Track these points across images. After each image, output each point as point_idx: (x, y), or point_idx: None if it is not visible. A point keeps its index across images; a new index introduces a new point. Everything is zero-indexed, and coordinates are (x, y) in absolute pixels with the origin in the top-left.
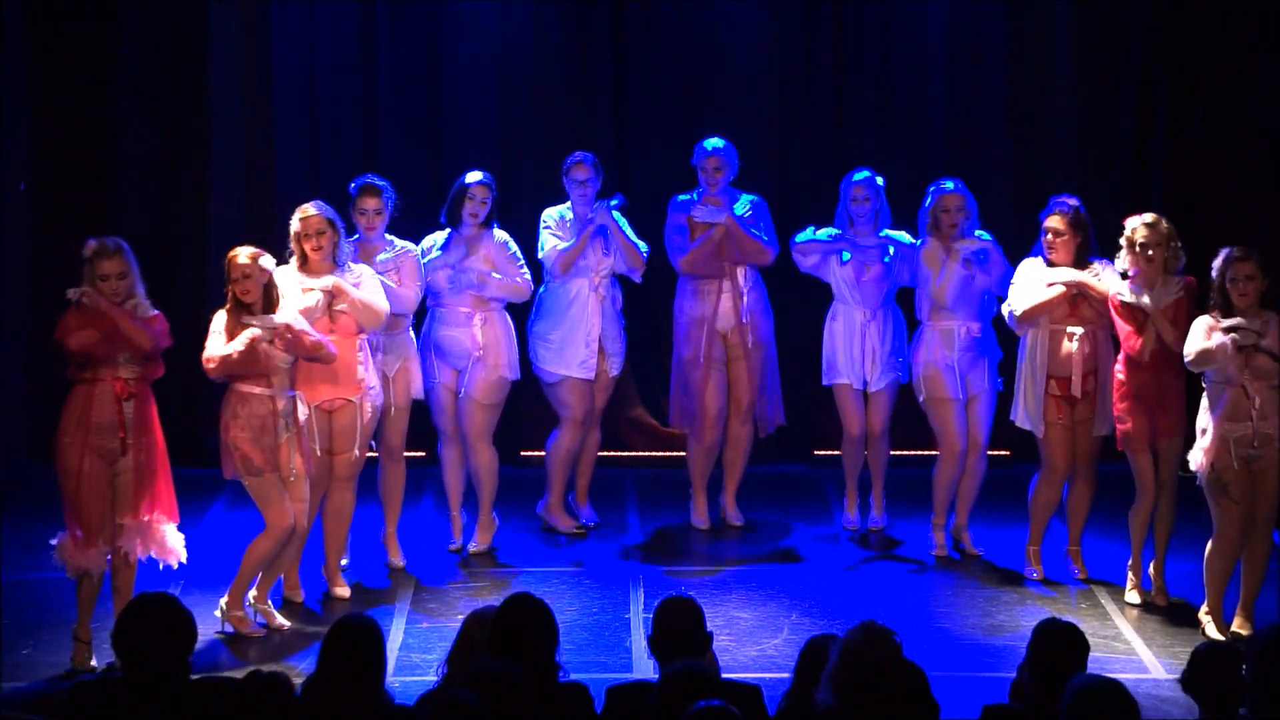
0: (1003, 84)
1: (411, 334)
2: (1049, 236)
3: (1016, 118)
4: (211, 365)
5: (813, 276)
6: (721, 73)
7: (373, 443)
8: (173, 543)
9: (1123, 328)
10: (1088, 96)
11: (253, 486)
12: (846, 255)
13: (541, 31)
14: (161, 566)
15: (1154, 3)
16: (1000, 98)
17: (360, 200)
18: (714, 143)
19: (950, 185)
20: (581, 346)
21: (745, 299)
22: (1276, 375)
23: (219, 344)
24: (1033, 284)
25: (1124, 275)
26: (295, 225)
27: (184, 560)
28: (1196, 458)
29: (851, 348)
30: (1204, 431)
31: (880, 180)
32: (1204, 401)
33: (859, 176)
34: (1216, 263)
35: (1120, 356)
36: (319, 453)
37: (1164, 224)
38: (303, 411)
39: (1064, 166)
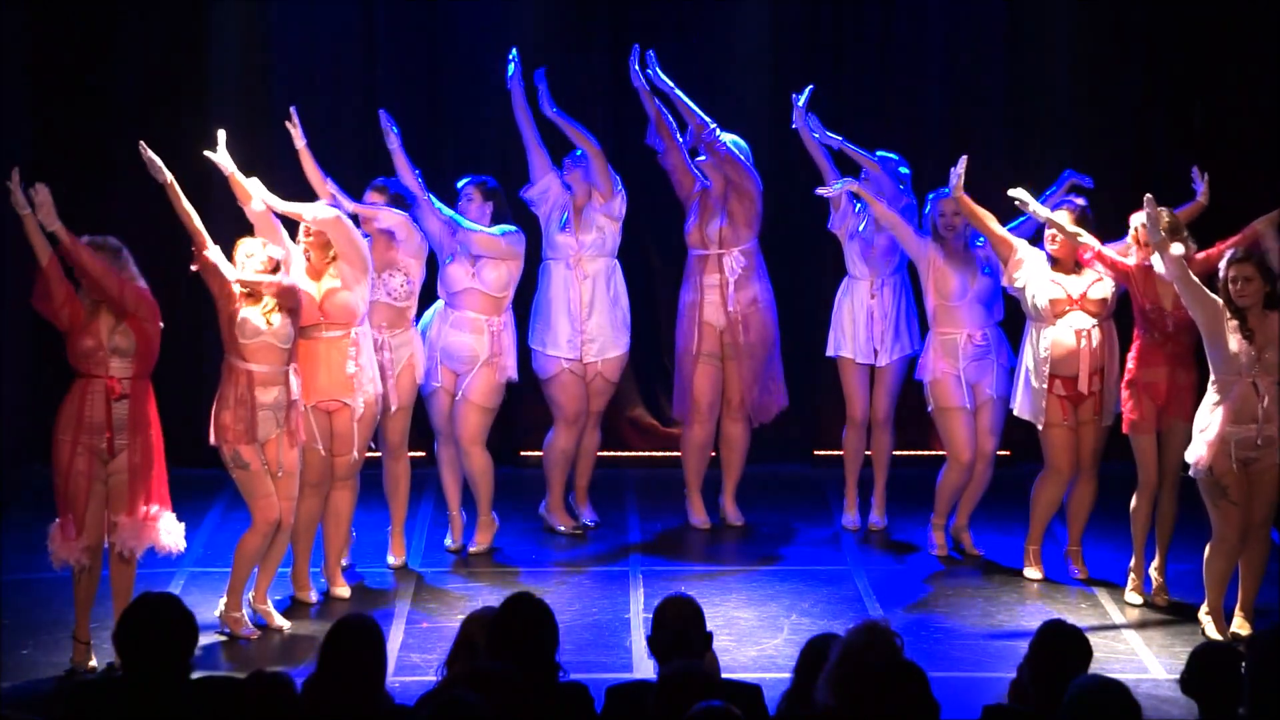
0: (1003, 82)
1: (416, 330)
2: (1053, 232)
3: (1016, 114)
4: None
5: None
6: (721, 68)
7: (371, 443)
8: (171, 532)
9: (1121, 268)
10: (1088, 93)
11: (240, 479)
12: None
13: (541, 30)
14: (175, 555)
15: (1154, 0)
16: (1000, 94)
17: (367, 196)
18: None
19: (949, 191)
20: (565, 324)
21: (734, 290)
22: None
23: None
24: (1041, 279)
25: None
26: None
27: (182, 548)
28: (1196, 452)
29: (858, 320)
30: (1204, 429)
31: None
32: (1209, 397)
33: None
34: (1221, 264)
35: (1133, 349)
36: (323, 453)
37: (1166, 217)
38: (295, 386)
39: (1064, 163)
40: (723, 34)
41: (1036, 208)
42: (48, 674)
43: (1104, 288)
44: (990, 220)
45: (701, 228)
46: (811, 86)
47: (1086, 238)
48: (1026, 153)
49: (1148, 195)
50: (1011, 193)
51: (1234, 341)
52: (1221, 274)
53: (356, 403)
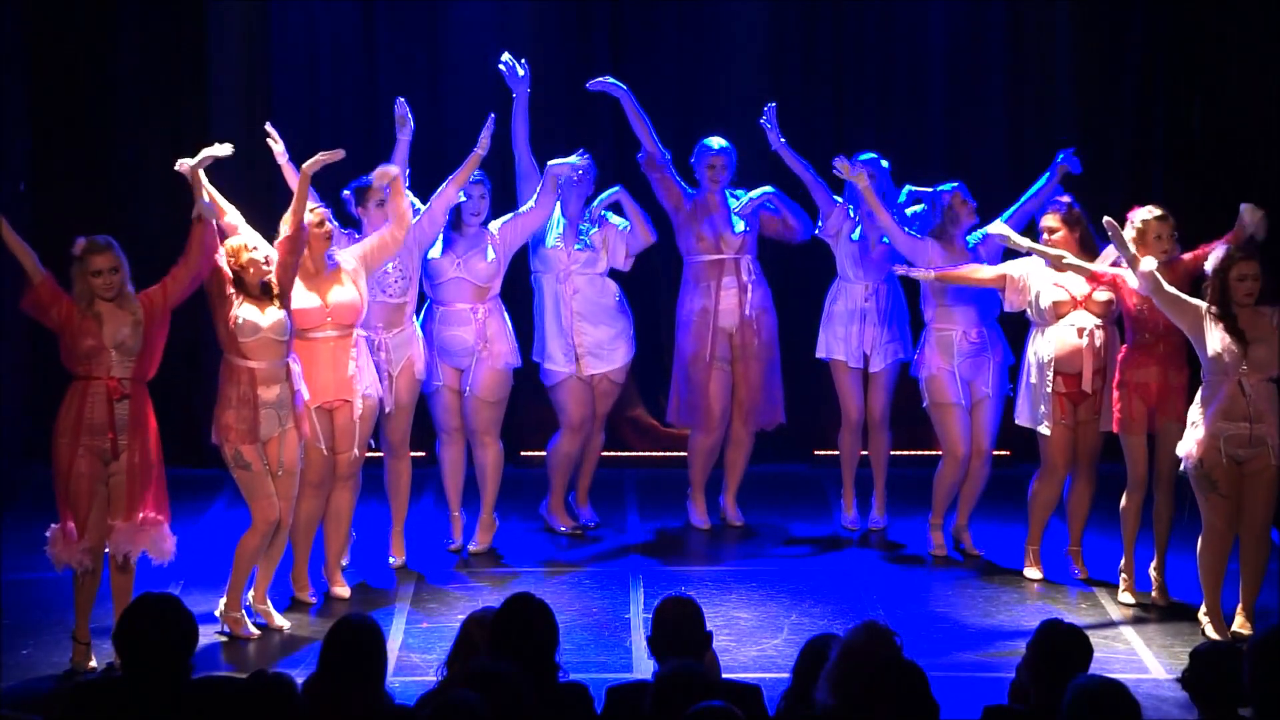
0: (1002, 82)
1: (416, 327)
2: (1045, 236)
3: (1016, 115)
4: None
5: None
6: (721, 69)
7: (371, 441)
8: (165, 540)
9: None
10: (1088, 94)
11: (241, 479)
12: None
13: (541, 30)
14: (165, 564)
15: (1153, 0)
16: (1000, 96)
17: (372, 192)
18: (719, 142)
19: (948, 186)
20: (559, 339)
21: (750, 294)
22: (1275, 367)
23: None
24: (1042, 279)
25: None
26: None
27: (172, 559)
28: (1186, 446)
29: (850, 324)
30: (1195, 424)
31: (885, 163)
32: (1200, 394)
33: (864, 158)
34: (1215, 258)
35: (1122, 351)
36: (325, 453)
37: (1169, 216)
38: (297, 376)
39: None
40: (721, 35)
41: (1018, 241)
42: (48, 674)
43: (1107, 290)
44: (973, 272)
45: (718, 231)
46: (773, 105)
47: (1070, 259)
48: (1027, 156)
49: (1106, 219)
50: (990, 229)
51: (1216, 342)
52: (1218, 268)
53: (357, 400)
